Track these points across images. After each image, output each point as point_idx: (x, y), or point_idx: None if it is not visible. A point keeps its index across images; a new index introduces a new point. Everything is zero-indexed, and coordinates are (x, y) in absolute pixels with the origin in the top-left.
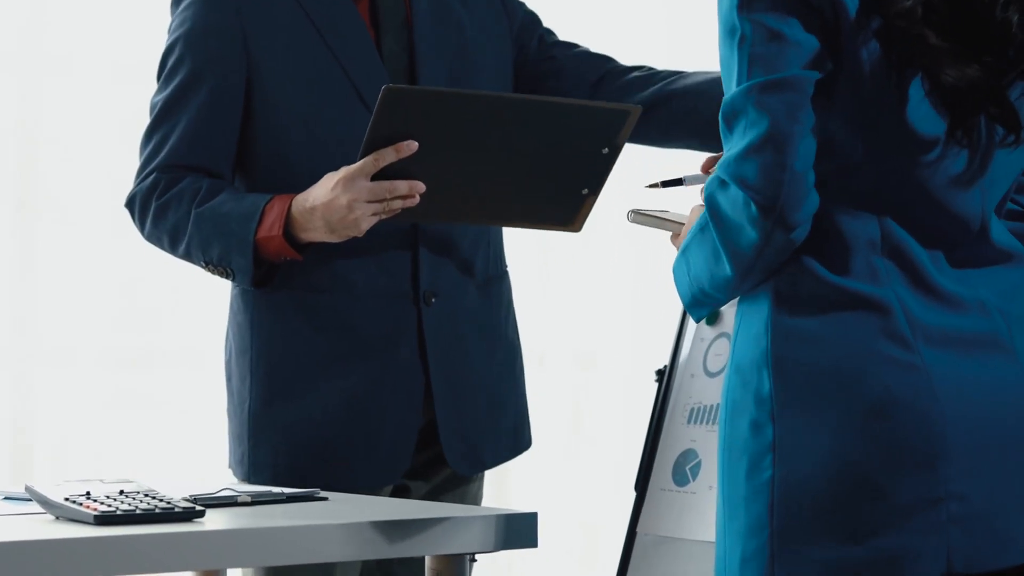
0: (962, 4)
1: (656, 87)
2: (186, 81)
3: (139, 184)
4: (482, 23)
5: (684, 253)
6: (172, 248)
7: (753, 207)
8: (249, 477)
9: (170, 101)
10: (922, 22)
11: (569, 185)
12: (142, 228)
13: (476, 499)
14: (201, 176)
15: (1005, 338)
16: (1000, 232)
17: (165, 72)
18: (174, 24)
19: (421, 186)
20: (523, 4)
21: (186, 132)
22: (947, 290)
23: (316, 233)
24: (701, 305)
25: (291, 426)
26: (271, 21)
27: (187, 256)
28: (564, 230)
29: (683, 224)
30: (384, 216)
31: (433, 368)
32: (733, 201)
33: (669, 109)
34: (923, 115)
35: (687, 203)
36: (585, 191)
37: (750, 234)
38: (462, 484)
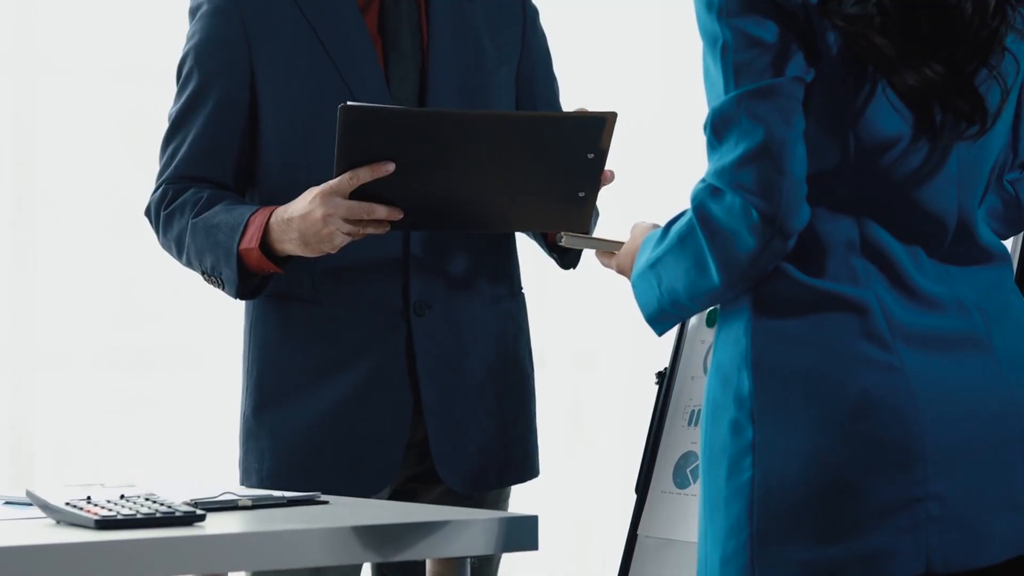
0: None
1: None
2: (194, 93)
3: (152, 195)
4: (500, 42)
5: (653, 267)
6: (178, 257)
7: (754, 213)
8: (243, 481)
9: (181, 113)
10: (872, 27)
11: (563, 190)
12: (157, 237)
13: None
14: (205, 186)
15: (983, 336)
16: (983, 231)
17: (179, 84)
18: (188, 34)
19: (398, 213)
20: (544, 39)
21: (193, 144)
22: (925, 290)
23: (290, 245)
24: (667, 318)
25: (277, 433)
26: (274, 32)
27: (189, 265)
28: (572, 230)
29: (617, 242)
30: (357, 237)
31: (423, 378)
32: (729, 209)
33: None
34: (886, 114)
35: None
36: (582, 194)
37: (748, 242)
38: (474, 502)
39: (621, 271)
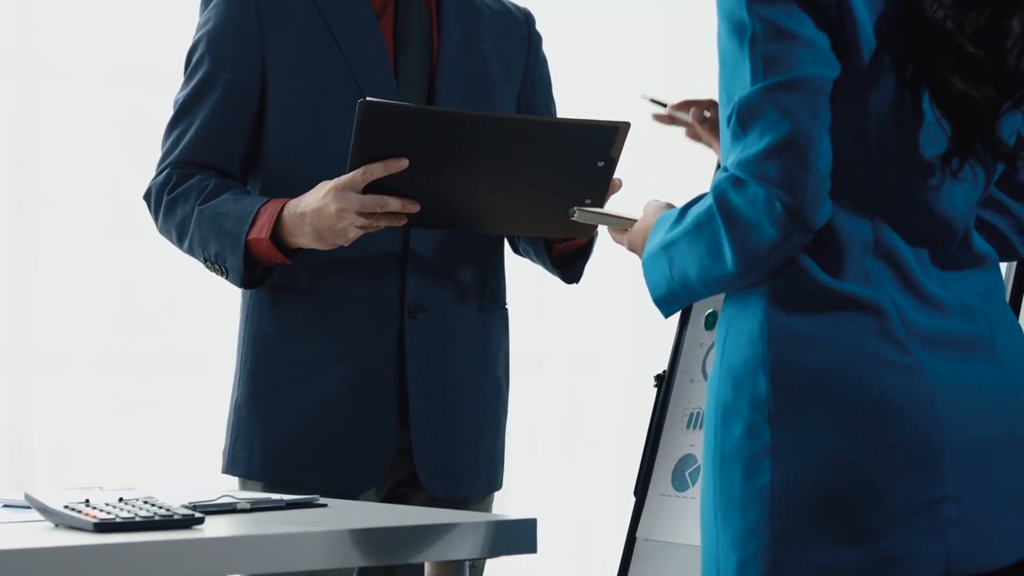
0: (981, 35)
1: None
2: (204, 79)
3: (155, 178)
4: (506, 60)
5: (665, 249)
6: (179, 243)
7: (779, 206)
8: (227, 469)
9: (189, 98)
10: (951, 29)
11: (571, 197)
12: (155, 221)
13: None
14: (211, 174)
15: (988, 339)
16: (977, 237)
17: (188, 70)
18: (200, 23)
19: (414, 206)
20: (546, 65)
21: (200, 130)
22: (932, 293)
23: (303, 239)
24: (676, 300)
25: (268, 424)
26: (290, 26)
27: (190, 252)
28: (576, 236)
29: (629, 219)
30: (371, 230)
31: (412, 380)
32: (752, 200)
33: None
34: (929, 136)
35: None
36: (588, 201)
37: (769, 233)
38: (461, 505)
39: (632, 248)
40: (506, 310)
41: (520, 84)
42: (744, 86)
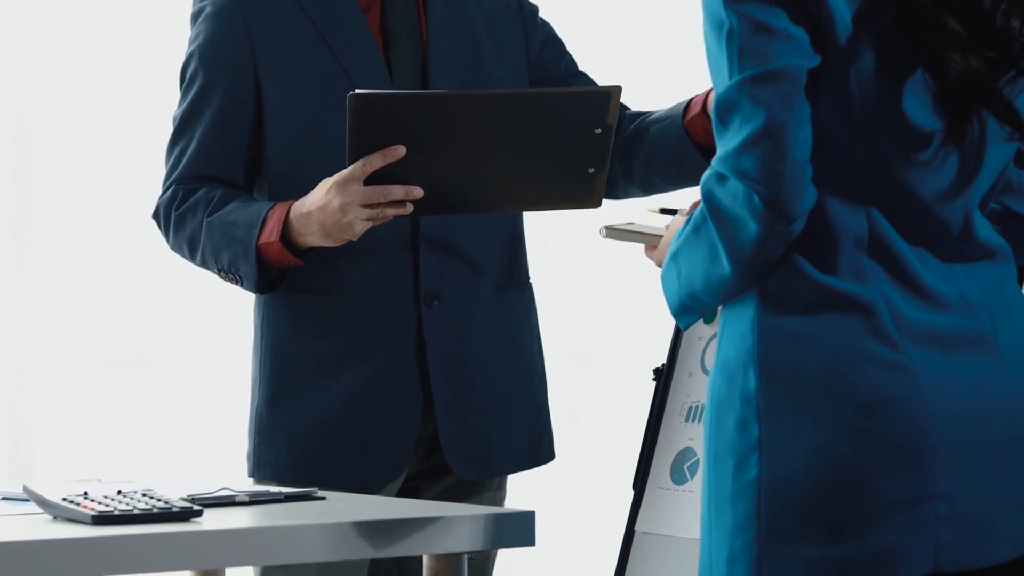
0: (970, 3)
1: (634, 125)
2: (199, 93)
3: (161, 196)
4: (499, 39)
5: (674, 259)
6: (191, 257)
7: (756, 199)
8: (254, 473)
9: (187, 113)
10: (941, 8)
11: (573, 167)
12: (166, 239)
13: (495, 504)
14: (216, 185)
15: (989, 335)
16: (984, 229)
17: (183, 85)
18: (191, 38)
19: (418, 191)
20: (547, 25)
21: (200, 143)
22: (932, 288)
23: (312, 237)
24: (690, 311)
25: (292, 424)
26: (278, 31)
27: (203, 264)
28: (584, 207)
29: (658, 235)
30: (378, 221)
31: (433, 370)
32: (733, 195)
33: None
34: (919, 112)
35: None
36: (592, 170)
37: (751, 227)
38: (475, 491)
39: (659, 265)
40: (529, 284)
41: (526, 56)
42: (723, 81)
